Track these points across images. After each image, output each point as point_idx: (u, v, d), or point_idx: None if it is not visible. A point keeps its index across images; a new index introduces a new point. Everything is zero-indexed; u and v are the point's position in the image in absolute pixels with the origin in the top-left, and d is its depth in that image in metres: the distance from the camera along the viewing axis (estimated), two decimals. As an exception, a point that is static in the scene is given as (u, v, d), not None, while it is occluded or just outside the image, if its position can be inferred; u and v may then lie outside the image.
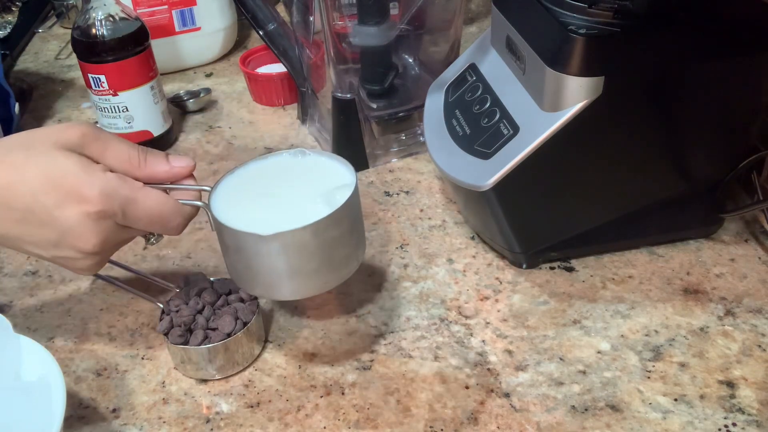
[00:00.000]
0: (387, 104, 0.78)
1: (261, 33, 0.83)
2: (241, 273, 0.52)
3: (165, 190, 0.50)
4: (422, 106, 0.71)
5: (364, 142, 0.77)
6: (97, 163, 0.48)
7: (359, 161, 0.79)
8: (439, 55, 0.80)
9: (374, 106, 0.77)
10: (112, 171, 0.48)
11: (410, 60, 0.84)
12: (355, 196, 0.51)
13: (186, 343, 0.54)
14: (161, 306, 0.57)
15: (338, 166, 0.54)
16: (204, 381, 0.55)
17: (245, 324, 0.55)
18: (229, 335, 0.54)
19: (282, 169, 0.55)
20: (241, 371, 0.56)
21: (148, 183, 0.50)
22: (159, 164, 0.50)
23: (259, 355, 0.57)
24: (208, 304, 0.56)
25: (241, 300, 0.57)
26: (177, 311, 0.55)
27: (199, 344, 0.53)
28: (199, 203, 0.51)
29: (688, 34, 0.53)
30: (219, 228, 0.50)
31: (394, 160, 0.80)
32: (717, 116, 0.59)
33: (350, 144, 0.77)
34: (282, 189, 0.53)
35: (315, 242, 0.49)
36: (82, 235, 0.46)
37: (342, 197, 0.51)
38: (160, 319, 0.56)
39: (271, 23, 0.83)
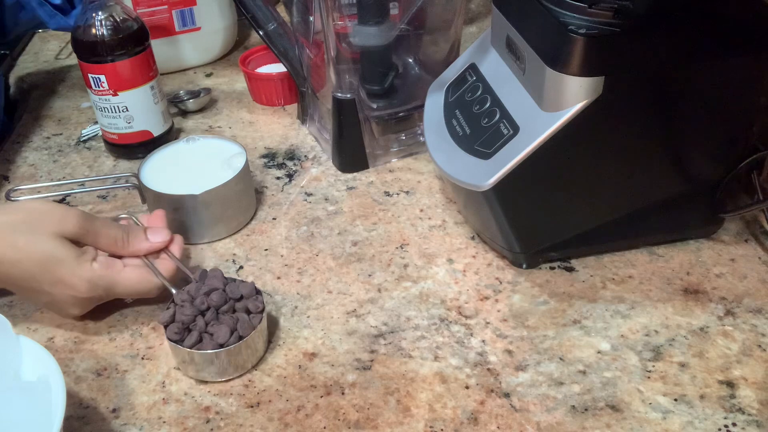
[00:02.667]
0: (387, 104, 0.78)
1: (261, 33, 0.83)
2: (177, 229, 0.64)
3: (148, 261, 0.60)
4: (422, 106, 0.71)
5: (364, 142, 0.77)
6: (89, 245, 0.58)
7: (359, 161, 0.79)
8: (439, 55, 0.80)
9: (374, 106, 0.77)
10: (101, 251, 0.58)
11: (410, 60, 0.84)
12: (246, 160, 0.69)
13: (180, 341, 0.54)
14: (174, 291, 0.56)
15: (224, 142, 0.72)
16: (204, 381, 0.55)
17: (241, 338, 0.54)
18: (221, 346, 0.53)
19: (184, 152, 0.72)
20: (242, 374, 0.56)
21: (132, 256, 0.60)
22: (140, 242, 0.60)
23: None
24: (213, 307, 0.55)
25: (248, 311, 0.56)
26: (182, 307, 0.55)
27: (192, 346, 0.53)
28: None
29: (689, 34, 0.53)
30: (158, 197, 0.66)
31: (394, 160, 0.80)
32: (717, 116, 0.59)
33: (350, 144, 0.77)
34: (192, 164, 0.70)
35: (230, 194, 0.67)
36: (71, 307, 0.58)
37: (240, 162, 0.69)
38: (167, 308, 0.55)
39: (271, 23, 0.83)
